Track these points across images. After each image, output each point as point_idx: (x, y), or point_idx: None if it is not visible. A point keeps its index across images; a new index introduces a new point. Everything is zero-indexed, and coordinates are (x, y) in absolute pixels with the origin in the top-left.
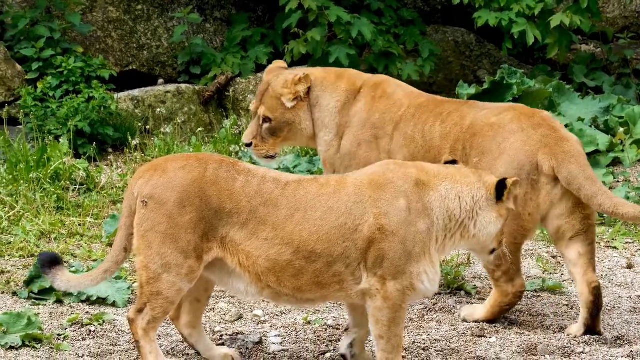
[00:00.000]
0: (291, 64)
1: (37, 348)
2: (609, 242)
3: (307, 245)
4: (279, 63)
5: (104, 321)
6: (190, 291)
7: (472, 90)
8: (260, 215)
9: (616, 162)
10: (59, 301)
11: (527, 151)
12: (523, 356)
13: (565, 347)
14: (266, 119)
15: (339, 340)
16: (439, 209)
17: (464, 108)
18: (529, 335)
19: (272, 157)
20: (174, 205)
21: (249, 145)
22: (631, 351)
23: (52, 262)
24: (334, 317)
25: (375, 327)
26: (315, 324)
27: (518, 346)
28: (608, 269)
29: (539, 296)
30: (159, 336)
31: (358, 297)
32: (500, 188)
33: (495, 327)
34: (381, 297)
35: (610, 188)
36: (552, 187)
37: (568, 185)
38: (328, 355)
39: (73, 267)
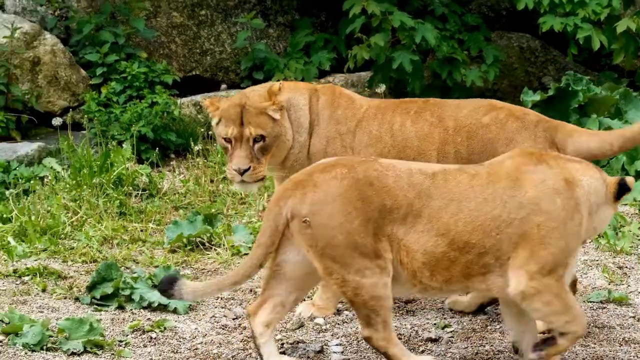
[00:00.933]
0: (354, 70)
1: (98, 354)
2: None
3: (462, 236)
4: (214, 99)
5: (165, 328)
6: (279, 293)
7: (537, 97)
8: (416, 208)
9: None
10: (121, 307)
11: (541, 149)
12: None
13: None
14: (257, 138)
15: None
16: (584, 203)
17: (434, 107)
18: (594, 347)
19: (262, 180)
20: (340, 215)
21: (246, 170)
22: None
23: (171, 282)
24: (395, 326)
25: (555, 319)
26: None
27: (583, 358)
28: None
29: (604, 307)
30: (220, 343)
31: (499, 292)
32: (620, 187)
33: None
34: (546, 292)
35: None
36: None
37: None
38: None
39: (135, 272)
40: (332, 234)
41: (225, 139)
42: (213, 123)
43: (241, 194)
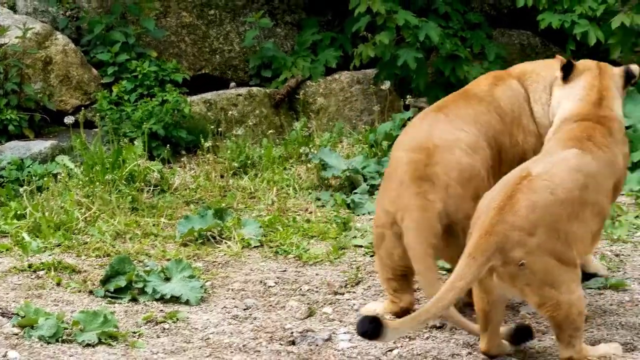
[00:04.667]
0: (360, 67)
1: (112, 345)
2: None
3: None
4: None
5: (177, 319)
6: None
7: None
8: (581, 200)
9: None
10: (134, 299)
11: None
12: None
13: (627, 344)
14: None
15: (405, 337)
16: None
17: None
18: (592, 332)
19: None
20: None
21: None
22: None
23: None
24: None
25: None
26: None
27: (582, 342)
28: None
29: (602, 294)
30: (231, 333)
31: None
32: None
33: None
34: None
35: None
36: None
37: None
38: (395, 352)
39: (148, 266)
40: (546, 262)
41: None
42: None
43: (250, 189)
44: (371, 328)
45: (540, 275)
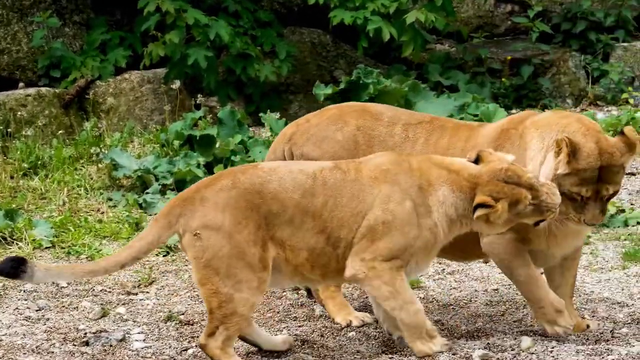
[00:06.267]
0: (150, 66)
1: None
2: None
3: (335, 231)
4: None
5: None
6: None
7: (329, 90)
8: (302, 207)
9: None
10: None
11: None
12: (383, 349)
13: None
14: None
15: (199, 336)
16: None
17: None
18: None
19: None
20: (230, 225)
21: None
22: (488, 343)
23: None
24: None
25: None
26: (174, 321)
27: (375, 339)
28: (465, 263)
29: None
30: (24, 334)
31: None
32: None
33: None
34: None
35: None
36: None
37: None
38: (190, 351)
39: None
40: (221, 245)
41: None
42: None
43: (41, 189)
44: (9, 267)
45: (210, 255)
